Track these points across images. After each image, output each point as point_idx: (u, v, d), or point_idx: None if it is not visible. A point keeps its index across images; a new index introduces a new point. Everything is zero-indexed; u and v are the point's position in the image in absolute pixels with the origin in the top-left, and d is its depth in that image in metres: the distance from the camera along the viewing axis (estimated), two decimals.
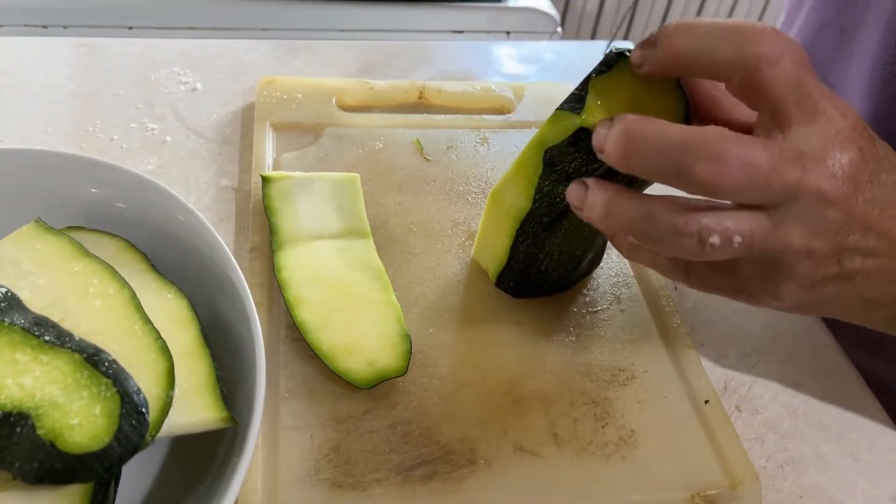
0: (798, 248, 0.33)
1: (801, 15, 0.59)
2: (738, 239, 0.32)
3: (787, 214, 0.32)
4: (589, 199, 0.36)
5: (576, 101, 0.38)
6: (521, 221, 0.44)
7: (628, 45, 0.41)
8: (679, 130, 0.32)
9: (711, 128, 0.32)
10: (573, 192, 0.37)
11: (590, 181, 0.37)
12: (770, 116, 0.33)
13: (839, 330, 0.50)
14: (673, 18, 1.79)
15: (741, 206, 0.33)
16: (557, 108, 0.40)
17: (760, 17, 1.76)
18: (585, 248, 0.46)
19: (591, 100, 0.37)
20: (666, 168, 0.32)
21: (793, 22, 0.61)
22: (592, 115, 0.37)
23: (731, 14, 1.76)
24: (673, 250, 0.34)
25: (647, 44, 0.35)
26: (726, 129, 0.32)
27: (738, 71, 0.32)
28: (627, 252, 0.39)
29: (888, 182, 0.33)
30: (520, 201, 0.44)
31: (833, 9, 0.55)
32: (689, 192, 0.33)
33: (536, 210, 0.43)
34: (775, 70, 0.32)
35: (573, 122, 0.37)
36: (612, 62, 0.37)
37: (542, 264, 0.46)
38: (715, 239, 0.32)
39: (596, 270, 0.51)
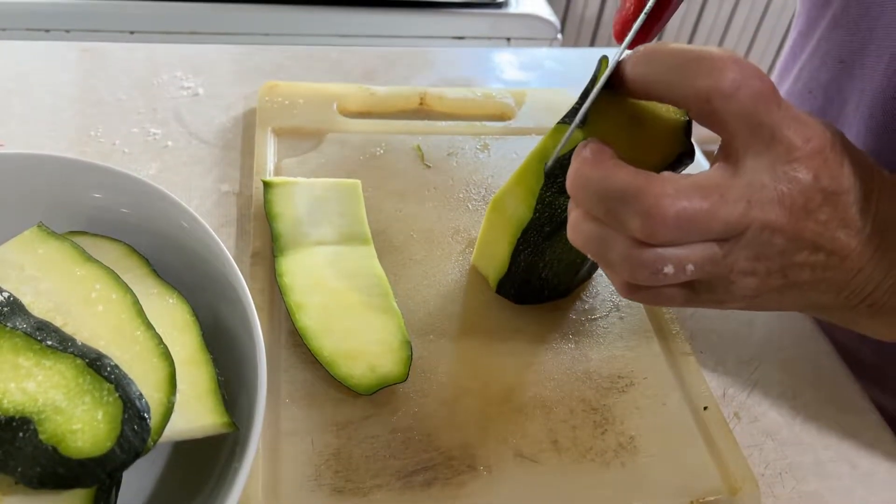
0: (744, 269, 0.34)
1: (809, 43, 0.59)
2: (690, 267, 0.33)
3: (736, 244, 0.33)
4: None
5: (575, 115, 0.39)
6: (523, 231, 0.44)
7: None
8: (621, 180, 0.32)
9: (654, 178, 0.32)
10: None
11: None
12: (724, 148, 0.34)
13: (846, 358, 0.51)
14: (672, 24, 1.79)
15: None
16: (559, 122, 0.40)
17: (760, 22, 1.76)
18: (585, 255, 0.46)
19: (595, 115, 0.37)
20: (606, 214, 0.33)
21: (802, 49, 0.61)
22: (596, 131, 0.37)
23: (730, 19, 1.76)
24: (627, 276, 0.34)
25: (618, 67, 0.36)
26: (669, 178, 0.32)
27: (692, 104, 0.33)
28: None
29: (847, 202, 0.34)
30: (521, 211, 0.44)
31: (836, 41, 0.55)
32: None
33: (537, 220, 0.43)
34: (729, 104, 0.32)
35: (576, 137, 0.38)
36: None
37: (542, 272, 0.46)
38: (669, 268, 0.33)
39: (595, 279, 0.51)
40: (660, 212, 0.31)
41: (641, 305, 0.50)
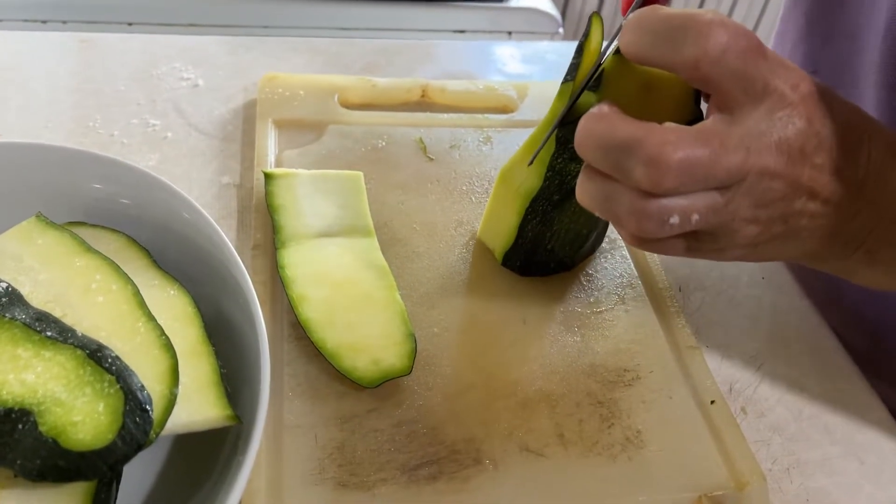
0: (746, 217, 0.35)
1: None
2: (695, 217, 0.34)
3: (737, 192, 0.34)
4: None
5: (575, 72, 0.41)
6: (532, 199, 0.44)
7: None
8: (625, 131, 0.33)
9: (656, 127, 0.33)
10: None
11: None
12: (717, 104, 0.34)
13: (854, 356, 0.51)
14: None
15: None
16: (563, 82, 0.42)
17: (760, 16, 1.76)
18: (591, 226, 0.48)
19: (608, 79, 0.38)
20: (612, 167, 0.34)
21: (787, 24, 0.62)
22: (609, 93, 0.38)
23: (730, 14, 1.76)
24: (634, 228, 0.35)
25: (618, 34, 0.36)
26: (671, 128, 0.33)
27: (683, 71, 0.33)
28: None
29: (839, 146, 0.35)
30: (530, 180, 0.45)
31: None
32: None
33: (547, 188, 0.44)
34: (718, 67, 0.32)
35: (588, 101, 0.39)
36: None
37: (549, 243, 0.47)
38: (675, 219, 0.33)
39: (600, 271, 0.51)
40: (663, 159, 0.32)
41: (647, 299, 0.50)
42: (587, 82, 0.39)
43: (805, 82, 0.34)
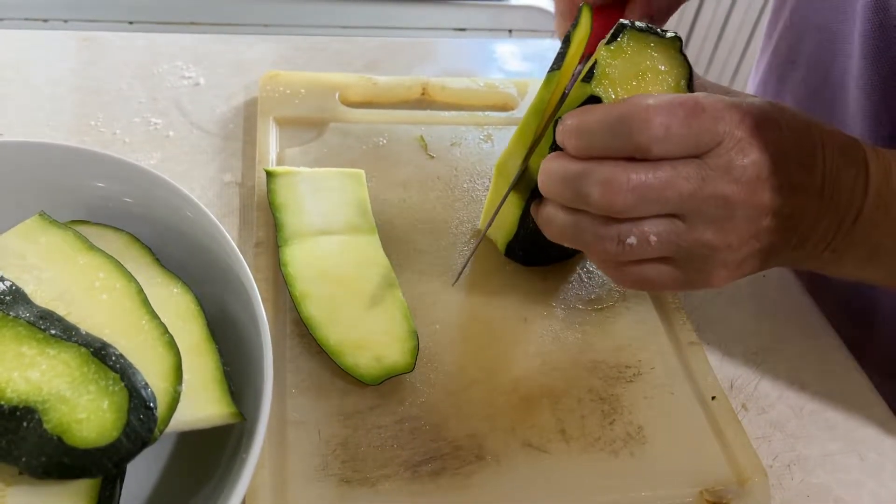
0: (715, 243, 0.37)
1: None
2: (653, 238, 0.36)
3: (697, 219, 0.36)
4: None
5: (562, 61, 0.42)
6: (532, 191, 0.44)
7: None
8: (579, 163, 0.37)
9: (608, 161, 0.36)
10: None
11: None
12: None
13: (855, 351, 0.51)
14: (673, 19, 1.78)
15: (657, 215, 0.37)
16: (549, 71, 0.43)
17: (758, 20, 1.76)
18: None
19: (600, 70, 0.39)
20: (573, 195, 0.37)
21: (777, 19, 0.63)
22: (602, 84, 0.39)
23: (729, 14, 1.76)
24: (599, 251, 0.38)
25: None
26: (621, 163, 0.36)
27: (637, 155, 0.35)
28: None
29: (791, 164, 0.36)
30: (531, 173, 0.45)
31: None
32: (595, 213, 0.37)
33: None
34: (667, 143, 0.35)
35: (584, 92, 0.39)
36: (618, 33, 0.39)
37: None
38: (632, 239, 0.36)
39: None
40: (616, 177, 0.35)
41: (648, 295, 0.50)
42: (578, 74, 0.41)
43: (749, 115, 0.36)
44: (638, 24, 0.40)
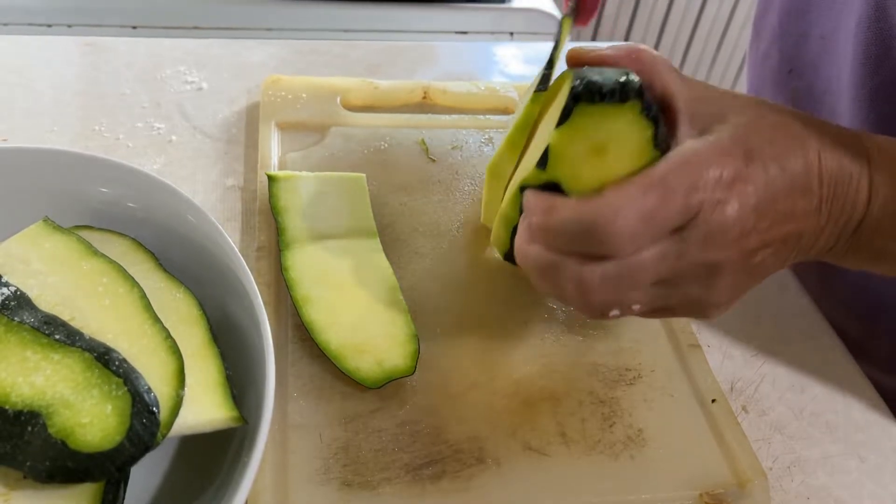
0: (703, 297, 0.36)
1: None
2: (636, 307, 0.35)
3: (681, 283, 0.35)
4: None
5: (548, 82, 0.42)
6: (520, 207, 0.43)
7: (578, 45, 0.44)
8: (544, 257, 0.35)
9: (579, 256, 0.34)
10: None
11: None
12: None
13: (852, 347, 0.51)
14: (674, 19, 1.79)
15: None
16: (535, 91, 0.43)
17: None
18: None
19: (555, 154, 0.36)
20: (550, 286, 0.36)
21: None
22: (559, 169, 0.36)
23: (731, 15, 1.76)
24: (582, 311, 0.37)
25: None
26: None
27: (607, 255, 0.34)
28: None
29: (781, 196, 0.34)
30: (521, 172, 0.42)
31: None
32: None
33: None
34: (641, 237, 0.33)
35: (536, 176, 0.37)
36: (570, 111, 0.34)
37: None
38: (615, 311, 0.36)
39: None
40: (585, 282, 0.34)
41: None
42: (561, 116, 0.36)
43: (728, 168, 0.33)
44: (587, 87, 0.34)
